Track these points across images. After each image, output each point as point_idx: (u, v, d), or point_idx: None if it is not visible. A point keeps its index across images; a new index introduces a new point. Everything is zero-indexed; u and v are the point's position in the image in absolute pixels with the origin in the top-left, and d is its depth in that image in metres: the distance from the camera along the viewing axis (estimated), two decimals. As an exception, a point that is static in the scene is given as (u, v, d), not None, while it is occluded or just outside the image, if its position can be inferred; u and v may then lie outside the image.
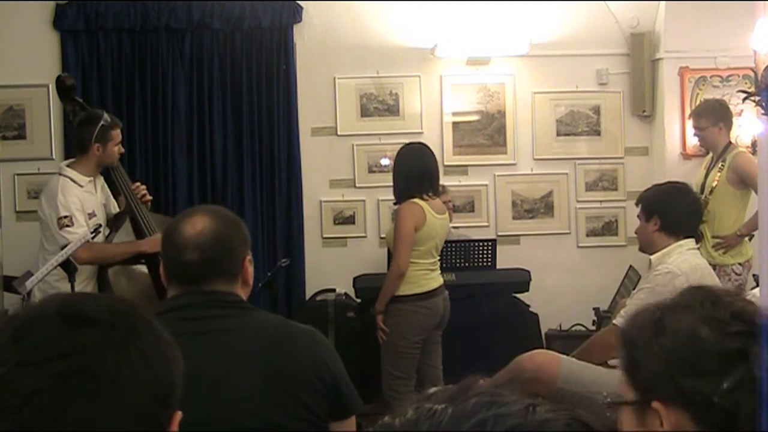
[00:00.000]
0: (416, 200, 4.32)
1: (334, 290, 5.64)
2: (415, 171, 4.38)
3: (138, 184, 4.43)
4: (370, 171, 5.88)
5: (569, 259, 6.01)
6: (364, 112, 5.88)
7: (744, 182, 4.89)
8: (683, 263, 3.54)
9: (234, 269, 2.03)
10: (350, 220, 5.90)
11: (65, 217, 4.08)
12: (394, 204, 4.53)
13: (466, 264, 5.36)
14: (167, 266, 2.05)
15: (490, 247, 5.43)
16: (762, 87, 3.84)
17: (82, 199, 4.18)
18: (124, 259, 4.21)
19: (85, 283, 4.09)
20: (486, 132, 5.95)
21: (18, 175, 5.60)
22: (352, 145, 5.86)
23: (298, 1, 5.74)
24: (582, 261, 6.02)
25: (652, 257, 3.68)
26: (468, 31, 5.73)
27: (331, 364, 2.03)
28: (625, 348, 1.36)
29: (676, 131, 5.80)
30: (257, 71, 5.67)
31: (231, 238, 2.04)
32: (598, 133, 6.03)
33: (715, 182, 4.96)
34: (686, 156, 5.74)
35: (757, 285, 4.19)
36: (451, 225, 4.98)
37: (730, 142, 5.09)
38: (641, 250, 3.86)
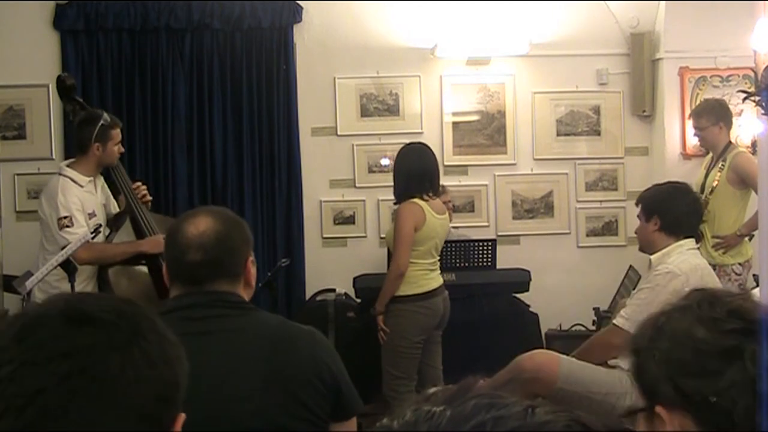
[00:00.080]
0: (416, 200, 4.32)
1: (334, 290, 5.64)
2: (416, 171, 4.38)
3: (138, 183, 4.44)
4: (370, 171, 5.88)
5: (569, 259, 6.01)
6: (364, 112, 5.88)
7: (744, 182, 4.89)
8: (683, 263, 3.55)
9: (236, 270, 2.04)
10: (350, 220, 5.90)
11: (65, 217, 4.08)
12: (394, 204, 4.53)
13: (466, 264, 5.36)
14: (170, 266, 2.06)
15: (490, 247, 5.43)
16: (762, 87, 3.85)
17: (82, 199, 4.18)
18: (124, 260, 4.21)
19: (85, 283, 4.09)
20: (486, 132, 5.95)
21: (18, 175, 5.60)
22: (352, 145, 5.86)
23: (298, 1, 5.74)
24: (582, 261, 6.03)
25: (652, 257, 3.69)
26: (468, 31, 5.73)
27: (332, 365, 2.04)
28: (632, 355, 1.37)
29: (676, 131, 5.80)
30: (257, 71, 5.67)
31: (233, 239, 2.04)
32: (598, 133, 6.03)
33: (716, 182, 4.96)
34: (686, 156, 5.74)
35: (757, 285, 4.19)
36: (451, 225, 4.98)
37: (730, 142, 5.09)
38: (641, 250, 3.86)
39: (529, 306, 5.50)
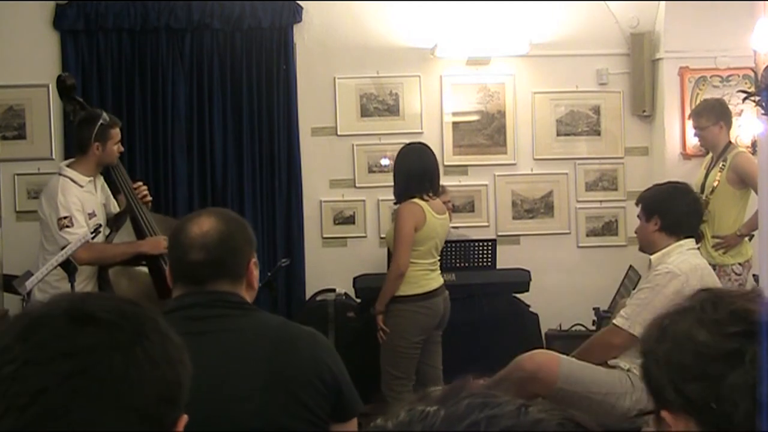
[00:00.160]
0: (416, 200, 4.32)
1: (334, 290, 5.64)
2: (416, 171, 4.38)
3: (139, 183, 4.43)
4: (370, 171, 5.88)
5: (569, 259, 6.01)
6: (364, 112, 5.88)
7: (744, 182, 4.89)
8: (683, 263, 3.55)
9: (238, 270, 2.04)
10: (350, 220, 5.90)
11: (65, 217, 4.07)
12: (394, 204, 4.53)
13: (466, 264, 5.36)
14: (173, 266, 2.07)
15: (490, 247, 5.43)
16: (762, 87, 3.85)
17: (82, 200, 4.18)
18: (124, 260, 4.21)
19: (84, 283, 4.08)
20: (486, 132, 5.95)
21: (18, 175, 5.60)
22: (352, 145, 5.86)
23: (298, 1, 5.74)
24: (582, 261, 6.03)
25: (652, 257, 3.69)
26: (468, 31, 5.73)
27: (333, 365, 2.04)
28: (641, 357, 1.37)
29: (676, 131, 5.80)
30: (257, 71, 5.67)
31: (236, 239, 2.05)
32: (598, 133, 6.03)
33: (716, 182, 4.96)
34: (686, 156, 5.74)
35: (758, 285, 4.19)
36: (451, 225, 4.98)
37: (730, 142, 5.09)
38: (641, 250, 3.86)
39: (529, 306, 5.50)
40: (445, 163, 5.76)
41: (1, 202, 5.53)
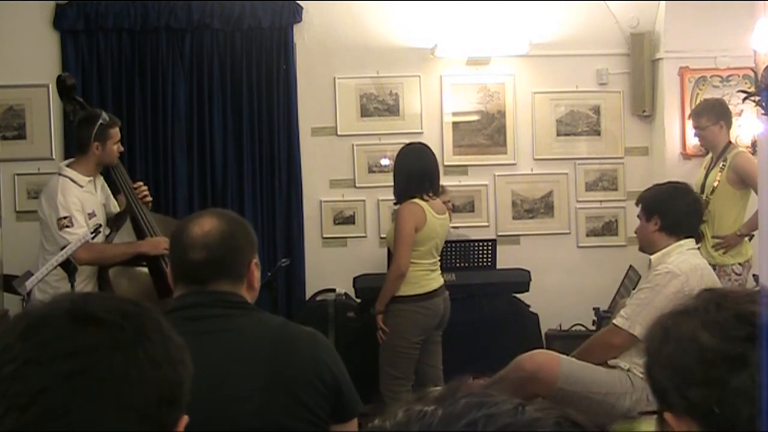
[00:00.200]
0: (417, 200, 4.32)
1: (334, 290, 5.64)
2: (416, 171, 4.38)
3: (139, 184, 4.43)
4: (370, 171, 5.88)
5: (569, 259, 6.01)
6: (364, 112, 5.88)
7: (744, 182, 4.89)
8: (683, 263, 3.55)
9: (239, 270, 2.05)
10: (350, 220, 5.90)
11: (65, 217, 4.07)
12: (395, 204, 4.53)
13: (466, 264, 5.36)
14: (174, 266, 2.08)
15: (490, 247, 5.43)
16: (762, 87, 3.85)
17: (82, 200, 4.18)
18: (124, 260, 4.21)
19: (84, 283, 4.08)
20: (486, 132, 5.95)
21: (18, 175, 5.60)
22: (352, 145, 5.86)
23: (298, 1, 5.74)
24: (582, 261, 6.03)
25: (652, 257, 3.69)
26: (468, 31, 5.73)
27: (333, 366, 2.04)
28: (644, 356, 1.35)
29: (676, 131, 5.80)
30: (257, 71, 5.67)
31: (237, 239, 2.05)
32: (598, 133, 6.03)
33: (716, 182, 4.96)
34: (686, 156, 5.74)
35: (757, 285, 4.19)
36: (451, 225, 4.98)
37: (730, 142, 5.09)
38: (641, 250, 3.86)
39: (529, 306, 5.50)
40: (445, 163, 5.76)
41: (1, 202, 5.54)
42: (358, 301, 5.43)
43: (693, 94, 5.74)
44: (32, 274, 3.65)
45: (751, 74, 4.53)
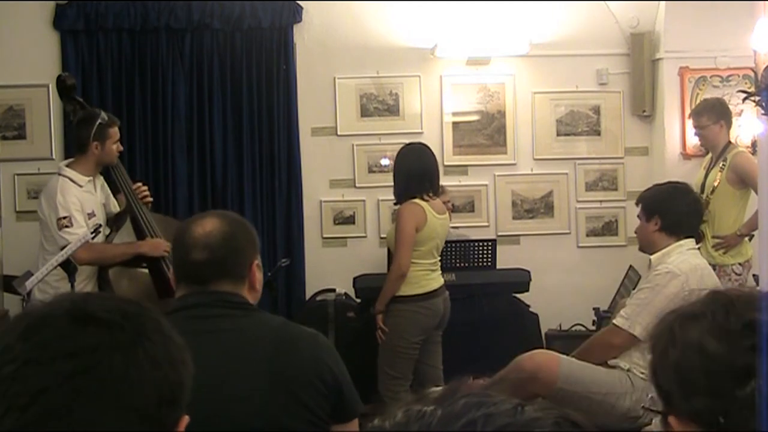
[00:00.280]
0: (417, 200, 4.32)
1: (334, 290, 5.64)
2: (416, 171, 4.38)
3: (139, 184, 4.43)
4: (370, 171, 5.88)
5: (569, 259, 6.01)
6: (364, 112, 5.88)
7: (744, 182, 4.89)
8: (683, 263, 3.55)
9: (241, 270, 2.05)
10: (350, 220, 5.90)
11: (65, 217, 4.07)
12: (395, 204, 4.53)
13: (466, 264, 5.36)
14: (176, 266, 2.09)
15: (490, 247, 5.43)
16: (762, 87, 3.85)
17: (82, 200, 4.17)
18: (124, 261, 4.20)
19: (84, 283, 4.08)
20: (486, 132, 5.95)
21: (18, 175, 5.60)
22: (352, 145, 5.86)
23: (298, 1, 5.74)
24: (582, 261, 6.03)
25: (652, 257, 3.69)
26: (468, 31, 5.73)
27: (333, 366, 2.04)
28: (650, 354, 1.34)
29: (676, 131, 5.80)
30: (257, 71, 5.67)
31: (238, 239, 2.06)
32: (598, 133, 6.03)
33: (716, 182, 4.96)
34: (686, 156, 5.74)
35: (757, 285, 4.19)
36: (451, 225, 4.98)
37: (730, 142, 5.09)
38: (641, 250, 3.86)
39: (529, 306, 5.50)
40: (445, 163, 5.76)
41: (1, 202, 5.54)
42: (358, 301, 5.43)
43: (693, 94, 5.74)
44: (32, 274, 3.65)
45: (751, 74, 4.53)
